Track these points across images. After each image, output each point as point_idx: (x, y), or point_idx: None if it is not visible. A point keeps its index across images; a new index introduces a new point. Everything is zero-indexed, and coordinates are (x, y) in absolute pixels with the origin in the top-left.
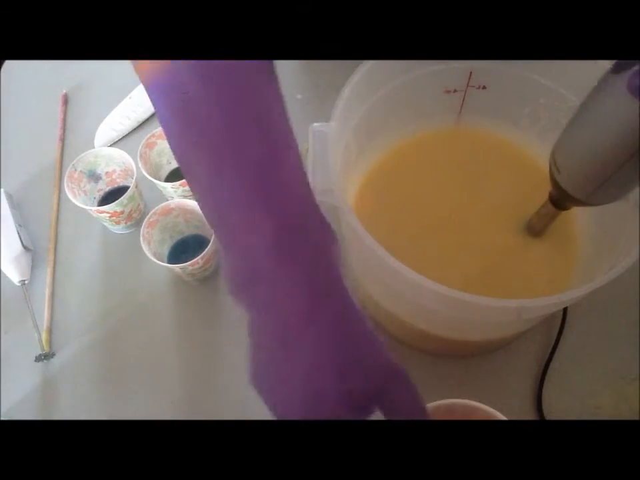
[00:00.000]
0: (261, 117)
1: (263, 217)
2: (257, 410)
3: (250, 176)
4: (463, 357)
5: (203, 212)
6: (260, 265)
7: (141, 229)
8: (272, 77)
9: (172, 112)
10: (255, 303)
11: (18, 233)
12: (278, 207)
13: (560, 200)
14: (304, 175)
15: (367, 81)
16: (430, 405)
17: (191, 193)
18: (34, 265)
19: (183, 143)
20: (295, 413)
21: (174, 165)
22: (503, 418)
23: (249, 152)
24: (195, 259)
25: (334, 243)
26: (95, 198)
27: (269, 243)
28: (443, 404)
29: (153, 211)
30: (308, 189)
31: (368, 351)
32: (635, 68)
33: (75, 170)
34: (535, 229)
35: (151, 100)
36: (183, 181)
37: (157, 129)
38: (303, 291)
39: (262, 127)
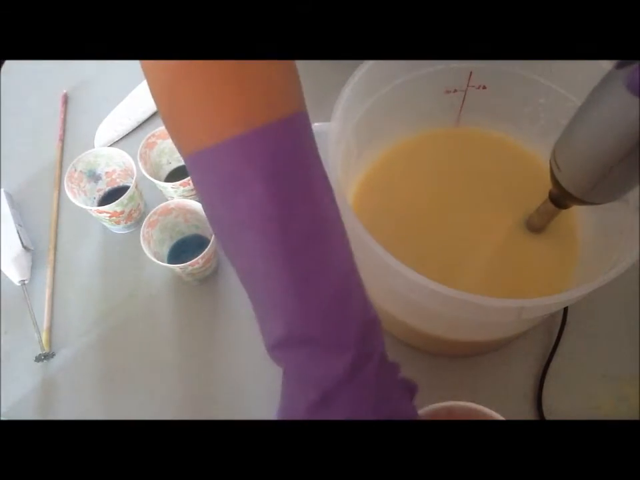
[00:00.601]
0: (306, 190)
1: (306, 288)
2: (257, 410)
3: (298, 248)
4: (463, 356)
5: (240, 274)
6: (299, 332)
7: (141, 229)
8: (312, 139)
9: (211, 189)
10: (298, 364)
11: (18, 233)
12: (320, 282)
13: (560, 198)
14: (348, 246)
15: (367, 80)
16: (430, 408)
17: (190, 193)
18: (34, 265)
19: (226, 220)
20: None
21: (174, 164)
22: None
23: (294, 228)
24: (195, 259)
25: (371, 312)
26: (94, 198)
27: (318, 307)
28: (442, 407)
29: (153, 210)
30: (351, 263)
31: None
32: (634, 65)
33: (75, 170)
34: (535, 226)
35: (191, 175)
36: (183, 180)
37: (157, 129)
38: (342, 359)
39: (308, 200)
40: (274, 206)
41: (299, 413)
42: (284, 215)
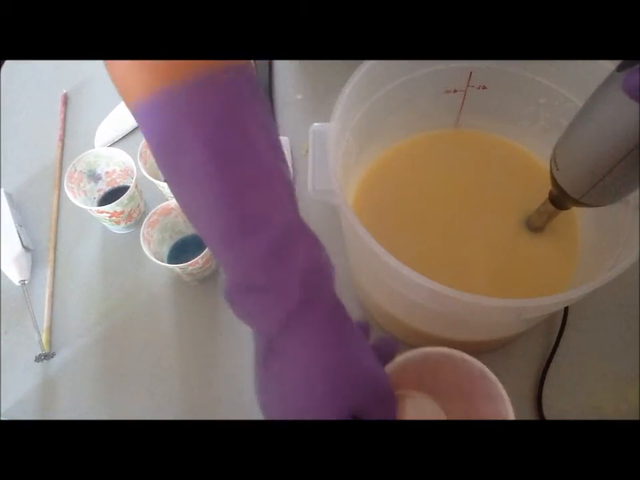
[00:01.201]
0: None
1: (250, 233)
2: (258, 410)
3: (240, 194)
4: None
5: (192, 222)
6: (249, 277)
7: (141, 229)
8: (255, 90)
9: (157, 140)
10: (246, 313)
11: (18, 233)
12: (263, 225)
13: (558, 199)
14: (291, 192)
15: (367, 81)
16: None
17: None
18: (34, 265)
19: (172, 169)
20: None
21: None
22: (482, 366)
23: (235, 172)
24: (195, 259)
25: (321, 250)
26: (94, 198)
27: (257, 256)
28: (418, 353)
29: (153, 210)
30: (294, 205)
31: (356, 368)
32: (631, 68)
33: (75, 170)
34: (535, 225)
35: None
36: None
37: None
38: (283, 306)
39: (247, 149)
40: (209, 159)
41: (260, 362)
42: (219, 170)
